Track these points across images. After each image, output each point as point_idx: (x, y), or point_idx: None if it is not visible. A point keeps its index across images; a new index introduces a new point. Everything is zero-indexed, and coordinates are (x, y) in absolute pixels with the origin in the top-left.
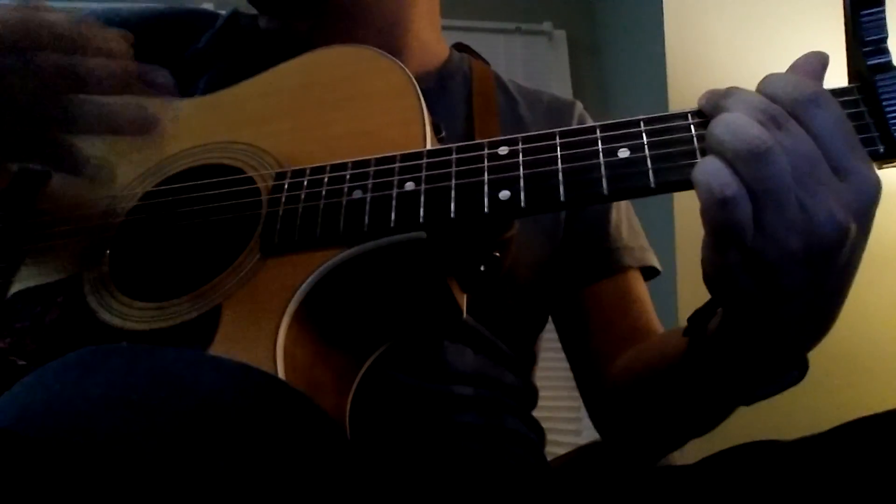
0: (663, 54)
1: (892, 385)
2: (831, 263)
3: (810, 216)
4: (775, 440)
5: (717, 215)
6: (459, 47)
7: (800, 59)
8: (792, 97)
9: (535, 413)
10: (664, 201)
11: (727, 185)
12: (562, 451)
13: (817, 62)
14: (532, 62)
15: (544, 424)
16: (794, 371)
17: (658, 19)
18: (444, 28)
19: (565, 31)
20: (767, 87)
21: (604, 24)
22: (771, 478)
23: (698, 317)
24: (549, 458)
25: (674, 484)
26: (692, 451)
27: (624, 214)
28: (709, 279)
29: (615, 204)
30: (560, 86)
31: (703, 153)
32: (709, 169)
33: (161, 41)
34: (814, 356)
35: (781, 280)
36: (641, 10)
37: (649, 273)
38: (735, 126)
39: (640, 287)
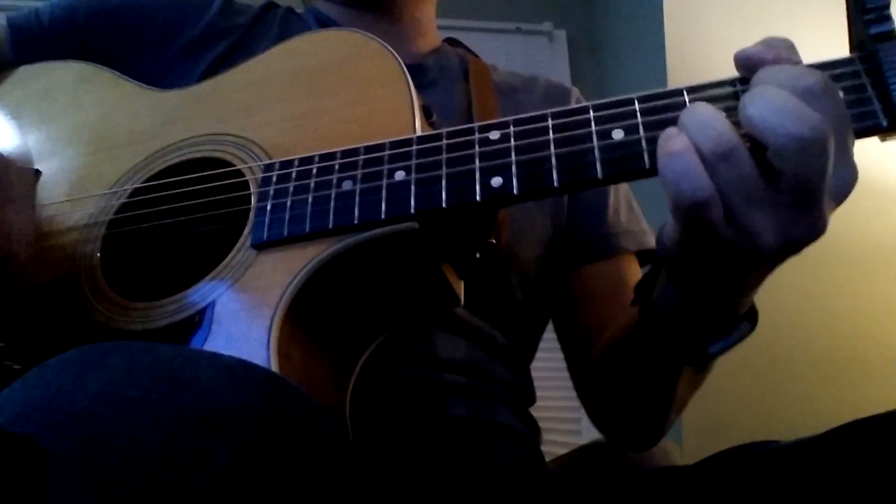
0: (663, 54)
1: (891, 385)
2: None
3: (795, 219)
4: (775, 440)
5: (688, 215)
6: (451, 42)
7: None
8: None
9: (535, 413)
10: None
11: (700, 189)
12: (562, 451)
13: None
14: (532, 62)
15: (543, 424)
16: (745, 323)
17: (658, 19)
18: (444, 28)
19: (565, 31)
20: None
21: (604, 24)
22: (770, 479)
23: (645, 283)
24: (548, 458)
25: (674, 484)
26: (692, 452)
27: (623, 198)
28: (667, 252)
29: (614, 188)
30: None
31: None
32: (679, 168)
33: (154, 27)
34: (813, 356)
35: (746, 264)
36: (641, 10)
37: (650, 256)
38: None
39: (636, 274)
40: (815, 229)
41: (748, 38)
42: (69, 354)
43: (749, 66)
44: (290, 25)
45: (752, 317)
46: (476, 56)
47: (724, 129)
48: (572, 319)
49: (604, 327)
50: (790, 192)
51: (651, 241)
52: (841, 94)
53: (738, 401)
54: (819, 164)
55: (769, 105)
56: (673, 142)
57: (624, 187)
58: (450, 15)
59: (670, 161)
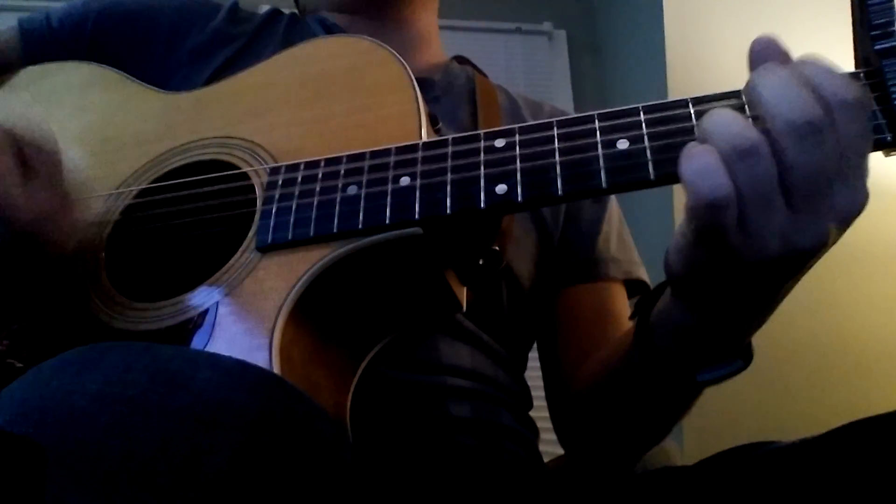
0: (663, 54)
1: (892, 385)
2: (802, 268)
3: (797, 225)
4: (775, 441)
5: (703, 216)
6: (460, 59)
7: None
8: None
9: (534, 412)
10: (663, 196)
11: (719, 187)
12: (561, 450)
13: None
14: (532, 62)
15: (543, 424)
16: (739, 360)
17: (658, 19)
18: (444, 28)
19: (565, 31)
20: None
21: (604, 24)
22: (770, 479)
23: (646, 300)
24: (547, 458)
25: (673, 484)
26: (692, 452)
27: (615, 227)
28: (674, 266)
29: (607, 216)
30: (560, 86)
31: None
32: (699, 166)
33: (162, 31)
34: (814, 357)
35: (751, 278)
36: (641, 10)
37: (639, 288)
38: (729, 119)
39: (621, 303)
40: (817, 238)
41: (748, 38)
42: (67, 354)
43: (763, 55)
44: (295, 32)
45: (748, 356)
46: (484, 75)
47: (743, 127)
48: (554, 340)
49: (584, 353)
50: (795, 193)
51: (640, 273)
52: None
53: (739, 401)
54: (819, 157)
55: (771, 86)
56: (696, 148)
57: (617, 217)
58: (450, 15)
59: (690, 161)
